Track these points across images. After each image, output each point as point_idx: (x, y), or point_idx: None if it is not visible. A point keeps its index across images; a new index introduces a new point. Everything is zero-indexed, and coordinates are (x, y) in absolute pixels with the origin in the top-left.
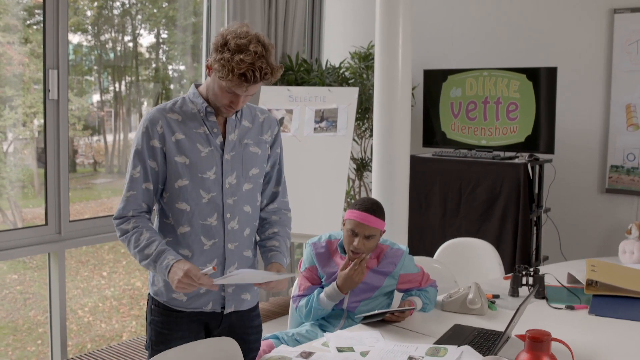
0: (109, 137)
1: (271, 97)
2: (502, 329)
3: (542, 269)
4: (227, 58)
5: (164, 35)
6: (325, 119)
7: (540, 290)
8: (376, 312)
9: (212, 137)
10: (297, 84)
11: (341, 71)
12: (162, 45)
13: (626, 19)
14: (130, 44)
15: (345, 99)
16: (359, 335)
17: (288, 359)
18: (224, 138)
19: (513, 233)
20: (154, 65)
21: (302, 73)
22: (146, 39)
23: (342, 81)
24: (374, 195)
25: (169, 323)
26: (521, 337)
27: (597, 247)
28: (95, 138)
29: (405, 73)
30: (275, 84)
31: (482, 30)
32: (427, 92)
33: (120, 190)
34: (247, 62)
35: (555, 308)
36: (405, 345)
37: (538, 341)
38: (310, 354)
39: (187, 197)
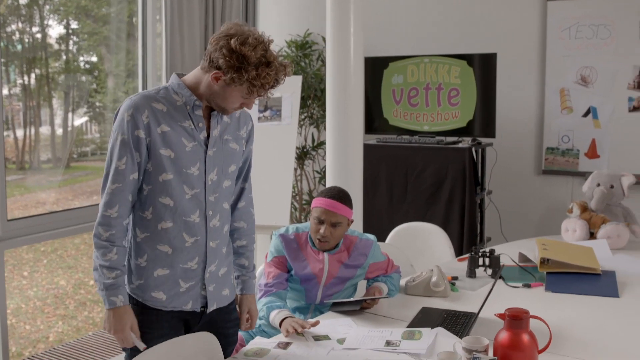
0: (19, 132)
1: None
2: (466, 309)
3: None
4: (254, 75)
5: (74, 26)
6: (270, 108)
7: (497, 271)
8: (350, 300)
9: (196, 132)
10: None
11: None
12: (72, 36)
13: (559, 6)
14: (39, 35)
15: (288, 87)
16: (331, 323)
17: (267, 350)
18: (208, 133)
19: (460, 216)
20: (64, 57)
21: None
22: (55, 30)
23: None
24: (328, 183)
25: (149, 322)
26: (500, 315)
27: (535, 227)
28: (4, 133)
29: (357, 61)
30: None
31: (422, 18)
32: (368, 79)
33: (32, 187)
34: (272, 75)
35: (513, 287)
36: (379, 330)
37: (517, 319)
38: (287, 344)
39: (171, 192)
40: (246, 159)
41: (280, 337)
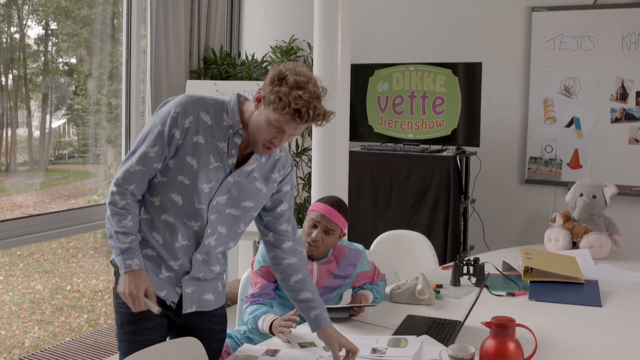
0: None
1: (198, 92)
2: (451, 317)
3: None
4: (284, 92)
5: (54, 27)
6: None
7: (482, 279)
8: (337, 307)
9: (226, 156)
10: (222, 78)
11: (264, 65)
12: (51, 37)
13: (543, 17)
14: (17, 35)
15: None
16: None
17: (255, 357)
18: (238, 162)
19: (444, 224)
20: (42, 58)
21: (227, 67)
22: (34, 30)
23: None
24: (314, 189)
25: None
26: (487, 324)
27: (518, 236)
28: None
29: (344, 68)
30: (199, 77)
31: (408, 26)
32: (354, 87)
33: (8, 190)
34: (304, 99)
35: (497, 295)
36: (365, 338)
37: (503, 327)
38: (275, 351)
39: (183, 193)
40: (282, 200)
41: (268, 344)
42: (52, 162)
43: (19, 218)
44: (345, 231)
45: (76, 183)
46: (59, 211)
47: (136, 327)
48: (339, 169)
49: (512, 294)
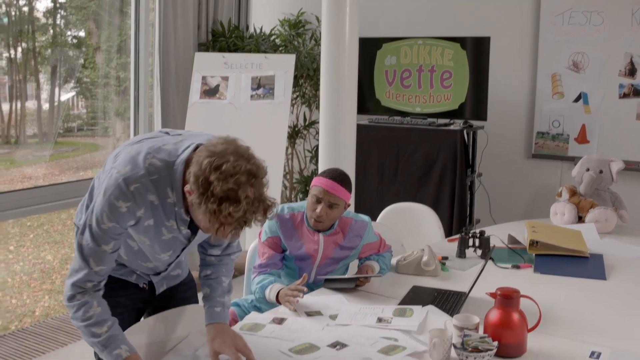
0: (5, 106)
1: (206, 64)
2: (457, 288)
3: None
4: (212, 210)
5: (62, 0)
6: (262, 86)
7: (487, 252)
8: (344, 277)
9: (177, 231)
10: (230, 51)
11: (272, 38)
12: (59, 10)
13: None
14: (26, 9)
15: (282, 66)
16: (324, 300)
17: (262, 325)
18: (191, 229)
19: (450, 197)
20: (51, 31)
21: (235, 40)
22: (42, 3)
23: (274, 48)
24: (321, 162)
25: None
26: (492, 294)
27: (524, 210)
28: None
29: (352, 41)
30: (207, 50)
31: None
32: (361, 60)
33: (18, 162)
34: (237, 217)
35: (502, 267)
36: (371, 307)
37: (508, 298)
38: (282, 320)
39: (134, 246)
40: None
41: (275, 312)
42: (61, 135)
43: (28, 188)
44: (350, 202)
45: (85, 155)
46: (68, 182)
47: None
48: (346, 142)
49: (517, 267)
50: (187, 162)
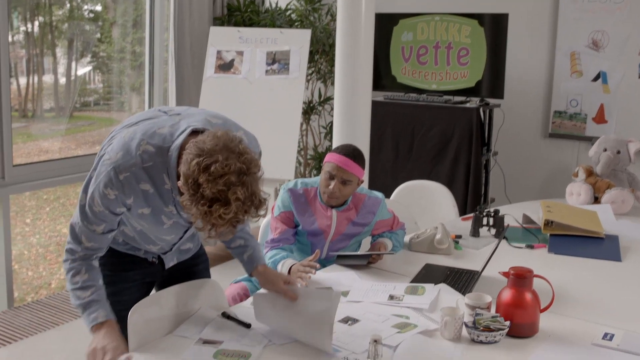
0: (22, 80)
1: (221, 39)
2: (469, 267)
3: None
4: (203, 212)
5: None
6: (277, 62)
7: (501, 231)
8: (356, 254)
9: (177, 216)
10: (245, 26)
11: (287, 13)
12: None
13: None
14: None
15: (297, 41)
16: (336, 276)
17: None
18: None
19: (465, 176)
20: (68, 5)
21: (250, 14)
22: None
23: (290, 23)
24: (335, 138)
25: (111, 264)
26: (505, 274)
27: (539, 190)
28: None
29: (368, 17)
30: (222, 24)
31: None
32: (378, 36)
33: (35, 136)
34: (227, 219)
35: (516, 247)
36: (383, 284)
37: (521, 277)
38: None
39: (143, 232)
40: None
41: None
42: (78, 109)
43: (44, 161)
44: (363, 179)
45: (101, 130)
46: (84, 155)
47: (116, 288)
48: (360, 119)
49: (531, 247)
50: (182, 147)
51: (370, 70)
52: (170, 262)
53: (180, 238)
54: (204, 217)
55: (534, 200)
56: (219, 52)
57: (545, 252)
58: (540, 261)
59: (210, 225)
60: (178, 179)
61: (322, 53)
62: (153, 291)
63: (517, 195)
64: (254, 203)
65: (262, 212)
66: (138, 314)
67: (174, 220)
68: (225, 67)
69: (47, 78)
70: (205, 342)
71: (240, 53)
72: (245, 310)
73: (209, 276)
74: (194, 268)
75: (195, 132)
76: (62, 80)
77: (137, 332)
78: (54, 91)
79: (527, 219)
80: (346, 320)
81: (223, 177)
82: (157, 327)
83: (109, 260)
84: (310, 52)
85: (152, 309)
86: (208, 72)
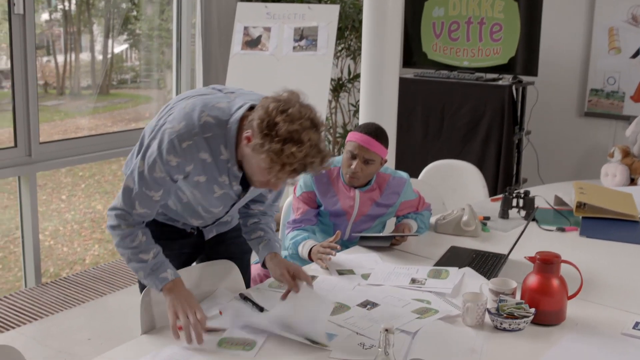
0: (60, 58)
1: (248, 14)
2: (497, 250)
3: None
4: (276, 150)
5: None
6: (305, 38)
7: (531, 213)
8: (379, 235)
9: (229, 187)
10: (273, 1)
11: None
12: None
13: None
14: None
15: (325, 17)
16: (357, 258)
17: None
18: (242, 186)
19: (496, 155)
20: None
21: None
22: None
23: None
24: (362, 116)
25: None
26: (531, 259)
27: (574, 170)
28: (45, 59)
29: None
30: (250, 0)
31: None
32: (409, 11)
33: (72, 113)
34: (299, 158)
35: (546, 230)
36: (405, 267)
37: (548, 263)
38: (313, 277)
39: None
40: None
41: (306, 270)
42: (114, 87)
43: (80, 137)
44: (386, 158)
45: (137, 107)
46: (119, 131)
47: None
48: (388, 97)
49: (562, 229)
50: (242, 121)
51: (398, 47)
52: (209, 233)
53: (227, 212)
54: (275, 155)
55: (568, 181)
56: (246, 29)
57: (576, 236)
58: (571, 245)
59: (279, 166)
60: (236, 150)
61: (351, 29)
62: (194, 264)
63: (551, 175)
64: (321, 154)
65: (325, 165)
66: (151, 294)
67: (225, 191)
68: (252, 43)
69: (85, 56)
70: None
71: (268, 29)
72: (261, 293)
73: (247, 248)
74: (232, 240)
75: (251, 109)
76: (99, 57)
77: (150, 313)
78: (91, 69)
79: (559, 201)
80: (365, 304)
81: (299, 120)
82: None
83: (146, 228)
84: (340, 29)
85: None
86: (235, 49)
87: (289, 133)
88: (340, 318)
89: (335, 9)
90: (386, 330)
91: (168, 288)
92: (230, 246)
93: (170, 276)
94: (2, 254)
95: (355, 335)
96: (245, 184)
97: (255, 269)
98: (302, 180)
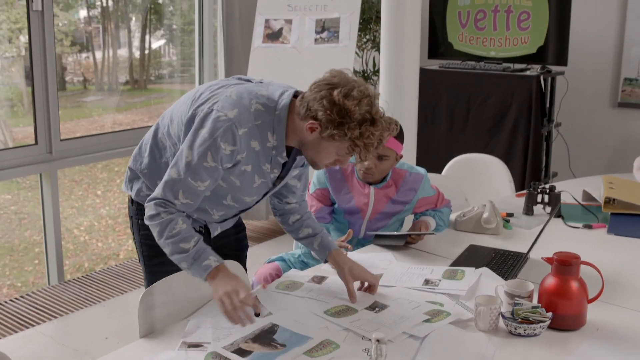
0: (98, 54)
1: (269, 7)
2: (518, 249)
3: (556, 186)
4: (356, 135)
5: None
6: (327, 30)
7: (555, 208)
8: (394, 234)
9: (268, 174)
10: None
11: None
12: None
13: None
14: None
15: (347, 8)
16: (371, 258)
17: (300, 284)
18: (279, 175)
19: (523, 148)
20: None
21: None
22: None
23: None
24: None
25: None
26: (548, 260)
27: (606, 164)
28: (84, 55)
29: None
30: None
31: None
32: (434, 1)
33: (113, 109)
34: (377, 135)
35: (572, 227)
36: (420, 268)
37: (566, 264)
38: (322, 278)
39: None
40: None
41: (317, 270)
42: (152, 82)
43: (92, 135)
44: (402, 153)
45: (173, 102)
46: (140, 128)
47: (165, 259)
48: (408, 89)
49: (589, 226)
50: (290, 106)
51: (418, 39)
52: (215, 230)
53: (258, 201)
54: (356, 140)
55: (600, 175)
56: (267, 21)
57: (604, 233)
58: (597, 243)
59: (361, 147)
60: (285, 136)
61: (376, 20)
62: None
63: (582, 169)
64: (391, 121)
65: (393, 132)
66: (150, 297)
67: (263, 180)
68: (273, 36)
69: (122, 52)
70: (190, 345)
71: (289, 21)
72: (267, 294)
73: (247, 244)
74: (237, 235)
75: (295, 96)
76: (137, 53)
77: (149, 316)
78: (129, 64)
79: (587, 196)
80: (373, 307)
81: (365, 99)
82: (172, 311)
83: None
84: (365, 20)
85: (164, 293)
86: (256, 42)
87: (362, 115)
88: (347, 320)
89: (357, 0)
90: (377, 340)
91: (212, 275)
92: (234, 242)
93: (213, 263)
94: (38, 249)
95: (360, 340)
96: (285, 171)
97: (267, 268)
98: (316, 176)
